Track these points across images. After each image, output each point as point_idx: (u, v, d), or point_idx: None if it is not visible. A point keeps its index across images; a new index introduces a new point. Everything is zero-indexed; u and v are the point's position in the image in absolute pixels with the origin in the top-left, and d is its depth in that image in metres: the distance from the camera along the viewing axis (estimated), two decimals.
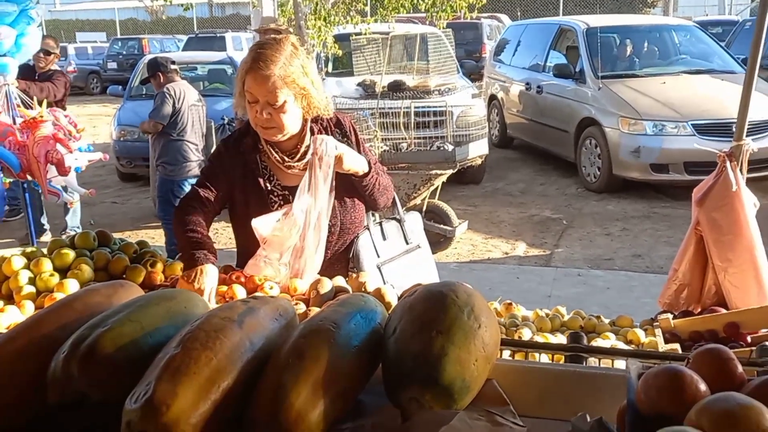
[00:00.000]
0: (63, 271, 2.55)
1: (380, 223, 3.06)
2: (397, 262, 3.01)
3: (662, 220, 8.56)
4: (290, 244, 2.69)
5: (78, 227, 8.44)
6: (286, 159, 2.78)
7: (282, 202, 2.79)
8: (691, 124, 9.26)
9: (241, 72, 2.70)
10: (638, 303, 5.87)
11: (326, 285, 2.55)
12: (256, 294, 2.31)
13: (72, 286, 2.41)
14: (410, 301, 1.28)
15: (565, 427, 1.19)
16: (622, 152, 9.46)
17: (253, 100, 2.67)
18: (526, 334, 2.18)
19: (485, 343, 1.20)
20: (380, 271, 2.94)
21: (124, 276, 2.62)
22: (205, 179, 2.82)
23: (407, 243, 3.08)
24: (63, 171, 6.90)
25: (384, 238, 3.00)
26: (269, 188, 2.79)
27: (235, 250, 3.01)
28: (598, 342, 2.15)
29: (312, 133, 2.79)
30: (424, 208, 7.43)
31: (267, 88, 2.62)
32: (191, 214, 2.72)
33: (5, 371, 1.32)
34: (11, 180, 6.74)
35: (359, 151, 2.82)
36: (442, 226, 7.26)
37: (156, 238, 8.42)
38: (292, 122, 2.71)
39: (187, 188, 7.09)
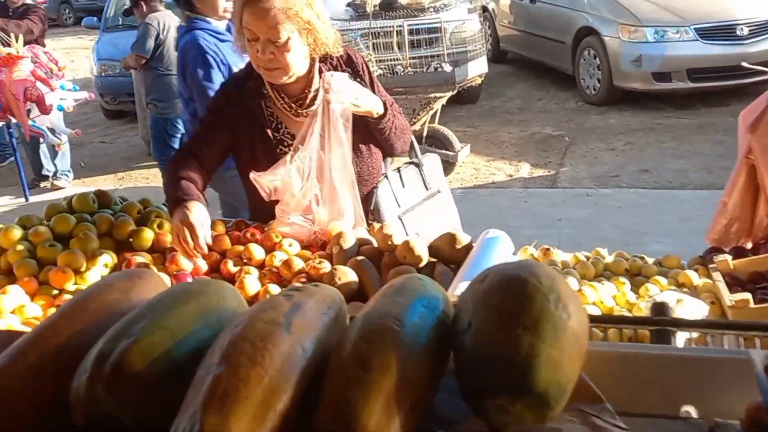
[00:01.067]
0: (63, 239, 2.36)
1: (398, 170, 2.86)
2: (418, 210, 2.83)
3: (667, 131, 8.35)
4: (302, 195, 2.48)
5: (69, 171, 8.18)
6: (293, 106, 2.54)
7: (289, 149, 2.57)
8: (694, 29, 8.91)
9: (238, 5, 2.43)
10: (651, 221, 5.75)
11: (349, 238, 2.38)
12: (296, 284, 2.10)
13: (78, 257, 2.23)
14: (483, 288, 1.11)
15: (673, 426, 1.04)
16: (622, 62, 9.13)
17: (253, 38, 2.41)
18: (573, 284, 2.03)
19: (577, 336, 1.04)
20: (401, 222, 2.76)
21: (131, 240, 2.44)
22: (202, 130, 2.58)
23: (427, 189, 2.89)
24: (44, 109, 6.61)
25: (403, 186, 2.81)
26: (278, 138, 2.57)
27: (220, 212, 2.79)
28: (650, 290, 1.99)
29: (320, 74, 2.54)
30: (425, 134, 7.19)
31: (267, 23, 2.36)
32: (184, 170, 2.48)
33: (19, 392, 1.15)
34: None
35: (373, 91, 2.58)
36: (444, 151, 7.04)
37: (150, 178, 8.20)
38: (297, 62, 2.46)
39: (182, 127, 6.82)
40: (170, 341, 1.13)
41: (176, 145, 6.82)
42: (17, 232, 2.33)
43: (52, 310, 1.96)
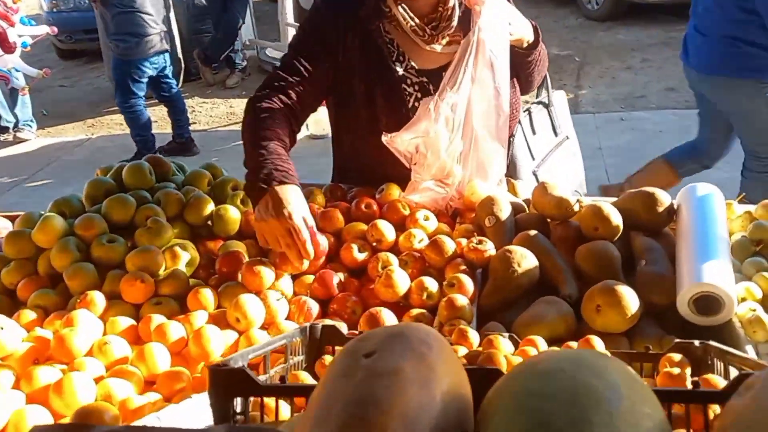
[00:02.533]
0: (121, 230, 1.73)
1: (528, 112, 2.26)
2: (550, 162, 2.26)
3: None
4: (448, 155, 1.87)
5: (31, 121, 7.29)
6: (427, 30, 1.89)
7: (419, 94, 1.95)
8: None
9: None
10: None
11: (504, 206, 1.80)
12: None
13: (155, 257, 1.60)
14: None
15: None
16: None
17: None
18: None
19: None
20: (536, 177, 2.19)
21: (210, 224, 1.82)
22: (293, 64, 1.91)
23: (556, 134, 2.31)
24: (8, 47, 5.77)
25: (534, 132, 2.22)
26: (400, 73, 1.93)
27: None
28: None
29: None
30: None
31: None
32: (269, 123, 1.81)
33: None
34: None
35: None
36: None
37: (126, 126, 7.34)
38: None
39: (149, 70, 6.02)
40: None
41: (142, 93, 6.03)
42: (58, 223, 1.68)
43: (151, 343, 1.36)
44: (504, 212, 1.80)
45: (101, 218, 1.70)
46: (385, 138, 1.85)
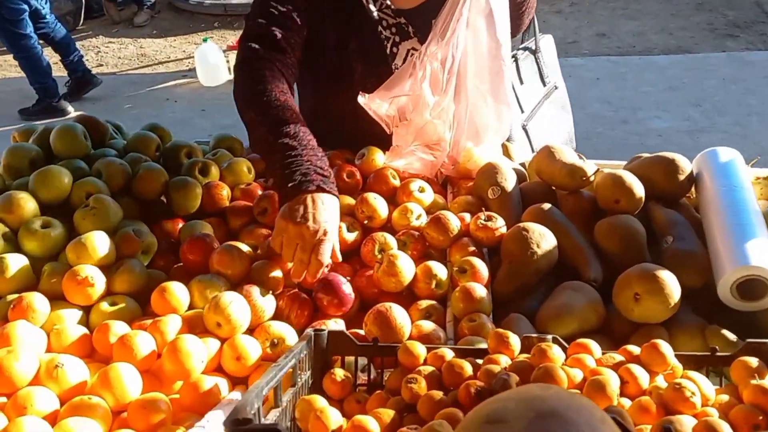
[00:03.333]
0: (55, 212, 1.40)
1: (515, 59, 2.03)
2: (539, 114, 2.05)
3: None
4: (436, 115, 1.63)
5: None
6: None
7: (396, 38, 1.68)
8: None
9: None
10: (638, 93, 5.25)
11: (509, 175, 1.58)
12: None
13: (97, 245, 1.30)
14: None
15: None
16: None
17: None
18: None
19: None
20: (526, 132, 1.98)
21: (163, 199, 1.51)
22: (271, 6, 1.58)
23: (544, 84, 2.10)
24: None
25: (521, 82, 2.00)
26: (374, 14, 1.64)
27: None
28: None
29: None
30: None
31: None
32: (281, 99, 1.51)
33: None
34: None
35: None
36: None
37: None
38: None
39: (22, 4, 5.33)
40: None
41: (27, 30, 5.34)
42: None
43: (117, 364, 1.08)
44: (509, 182, 1.59)
45: (29, 196, 1.37)
46: (362, 99, 1.59)
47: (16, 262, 1.27)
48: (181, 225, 1.48)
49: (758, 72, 5.38)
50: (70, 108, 5.51)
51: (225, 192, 1.55)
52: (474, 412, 0.57)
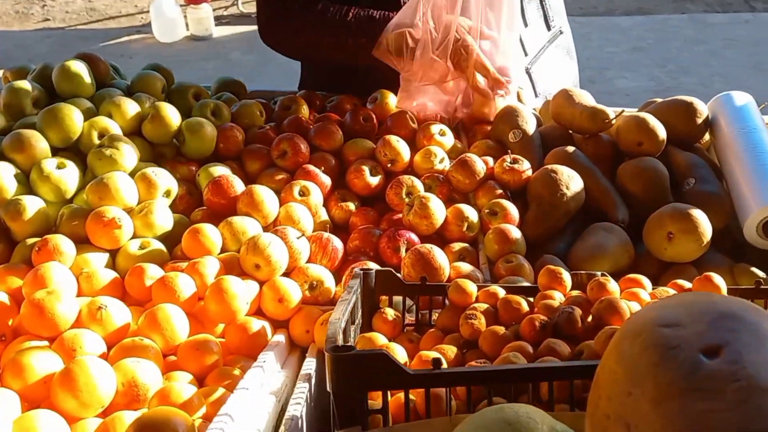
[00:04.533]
0: (67, 154, 1.32)
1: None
2: (543, 58, 2.03)
3: None
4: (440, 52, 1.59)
5: None
6: None
7: None
8: None
9: None
10: (604, 54, 5.30)
11: (528, 117, 1.57)
12: None
13: (122, 185, 1.23)
14: None
15: None
16: None
17: None
18: None
19: None
20: (530, 75, 1.96)
21: (175, 142, 1.45)
22: None
23: (549, 28, 2.07)
24: None
25: (525, 25, 1.96)
26: None
27: None
28: None
29: None
30: None
31: None
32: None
33: None
34: None
35: None
36: None
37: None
38: None
39: None
40: None
41: None
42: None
43: (164, 305, 1.03)
44: (530, 125, 1.57)
45: (40, 136, 1.28)
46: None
47: (33, 204, 1.20)
48: (195, 168, 1.42)
49: (718, 34, 5.49)
50: None
51: (240, 135, 1.49)
52: (635, 321, 0.55)
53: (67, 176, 1.25)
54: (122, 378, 0.86)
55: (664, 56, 5.16)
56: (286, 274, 1.20)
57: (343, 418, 0.70)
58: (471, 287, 1.09)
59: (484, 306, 1.06)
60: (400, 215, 1.39)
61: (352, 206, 1.43)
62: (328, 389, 0.71)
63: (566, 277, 1.10)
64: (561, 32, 2.12)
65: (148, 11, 6.14)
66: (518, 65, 1.86)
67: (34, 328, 0.95)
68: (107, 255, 1.19)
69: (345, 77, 1.78)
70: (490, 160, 1.50)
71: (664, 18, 5.89)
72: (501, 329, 1.00)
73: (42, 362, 0.85)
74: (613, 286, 1.05)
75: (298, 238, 1.24)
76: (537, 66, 2.01)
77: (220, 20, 6.21)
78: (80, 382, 0.82)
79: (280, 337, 1.11)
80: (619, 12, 6.24)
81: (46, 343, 0.95)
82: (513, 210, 1.37)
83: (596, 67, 5.06)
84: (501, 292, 1.09)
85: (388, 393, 0.72)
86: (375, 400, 0.75)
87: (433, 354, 0.95)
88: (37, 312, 0.94)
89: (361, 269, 1.10)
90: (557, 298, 1.07)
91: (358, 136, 1.56)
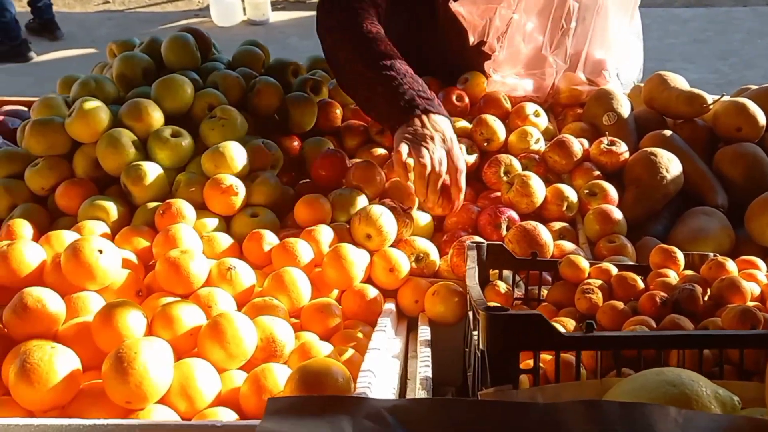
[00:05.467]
0: (173, 121, 1.36)
1: None
2: None
3: None
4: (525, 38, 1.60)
5: None
6: None
7: None
8: None
9: None
10: (664, 45, 5.21)
11: (623, 101, 1.57)
12: None
13: (235, 155, 1.26)
14: None
15: None
16: None
17: None
18: None
19: None
20: None
21: (276, 116, 1.48)
22: None
23: None
24: None
25: None
26: None
27: None
28: None
29: None
30: None
31: None
32: (362, 15, 1.43)
33: None
34: None
35: None
36: None
37: None
38: None
39: None
40: None
41: None
42: (102, 112, 1.28)
43: (289, 268, 1.06)
44: (625, 108, 1.57)
45: (155, 105, 1.32)
46: (453, 4, 1.53)
47: (153, 170, 1.24)
48: (297, 142, 1.45)
49: None
50: (32, 54, 5.30)
51: (338, 111, 1.52)
52: None
53: (183, 144, 1.29)
54: (261, 334, 0.90)
55: (726, 48, 5.06)
56: (392, 246, 1.23)
57: (494, 376, 0.72)
58: (584, 263, 1.11)
59: (598, 282, 1.07)
60: (498, 193, 1.40)
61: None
62: (479, 348, 0.73)
63: (680, 256, 1.11)
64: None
65: None
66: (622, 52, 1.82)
67: (169, 285, 0.99)
68: (220, 220, 1.23)
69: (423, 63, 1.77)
70: (585, 141, 1.50)
71: (726, 10, 5.77)
72: (620, 304, 1.01)
73: (188, 315, 0.89)
74: (731, 265, 1.06)
75: (405, 210, 1.26)
76: None
77: (275, 5, 6.26)
78: (228, 334, 0.85)
79: (391, 306, 1.14)
80: (679, 3, 6.13)
81: (172, 300, 0.99)
82: (612, 191, 1.37)
83: (657, 59, 4.96)
84: (613, 269, 1.10)
85: (539, 354, 0.74)
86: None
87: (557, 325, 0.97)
88: (174, 270, 0.98)
89: (473, 242, 1.12)
90: (672, 276, 1.07)
91: (450, 115, 1.57)
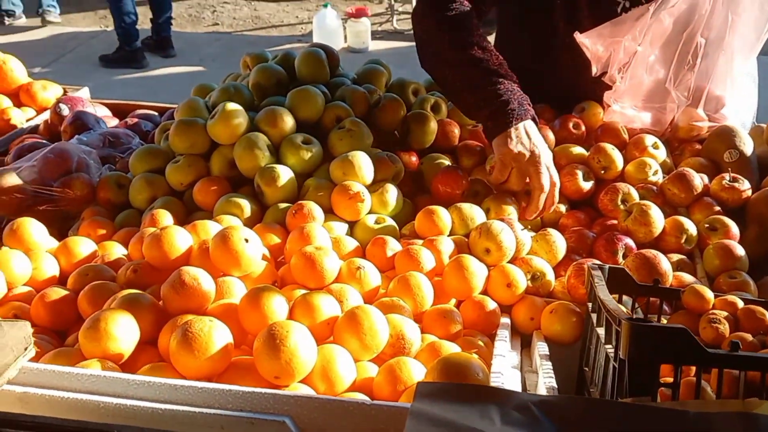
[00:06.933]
0: (303, 129, 1.43)
1: None
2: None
3: None
4: (648, 68, 1.60)
5: (54, 4, 6.68)
6: None
7: (627, 3, 1.62)
8: None
9: None
10: None
11: (745, 138, 1.55)
12: None
13: (362, 165, 1.32)
14: None
15: None
16: None
17: None
18: None
19: None
20: None
21: (396, 133, 1.53)
22: None
23: None
24: None
25: None
26: None
27: None
28: None
29: None
30: None
31: None
32: (467, 28, 1.46)
33: None
34: None
35: None
36: None
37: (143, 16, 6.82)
38: None
39: None
40: None
41: None
42: (241, 116, 1.37)
43: (415, 273, 1.10)
44: (747, 146, 1.55)
45: (289, 113, 1.40)
46: (578, 35, 1.55)
47: (285, 173, 1.31)
48: (415, 158, 1.50)
49: None
50: (146, 61, 5.60)
51: (456, 130, 1.56)
52: None
53: (313, 151, 1.36)
54: (392, 330, 0.93)
55: None
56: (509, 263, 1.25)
57: (633, 386, 0.73)
58: (709, 294, 1.10)
59: (724, 313, 1.06)
60: (613, 221, 1.41)
61: (562, 208, 1.46)
62: (619, 357, 0.74)
63: None
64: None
65: (308, 22, 6.46)
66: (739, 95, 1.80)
67: (303, 278, 1.05)
68: (346, 225, 1.28)
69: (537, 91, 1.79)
70: (704, 176, 1.49)
71: None
72: (748, 336, 0.99)
73: (327, 305, 0.94)
74: None
75: (522, 230, 1.28)
76: None
77: (374, 35, 6.43)
78: (364, 326, 0.89)
79: (507, 320, 1.15)
80: None
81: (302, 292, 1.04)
82: (734, 227, 1.35)
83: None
84: (740, 302, 1.08)
85: (681, 368, 0.75)
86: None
87: None
88: (309, 264, 1.03)
89: (596, 264, 1.13)
90: None
91: (565, 142, 1.59)
